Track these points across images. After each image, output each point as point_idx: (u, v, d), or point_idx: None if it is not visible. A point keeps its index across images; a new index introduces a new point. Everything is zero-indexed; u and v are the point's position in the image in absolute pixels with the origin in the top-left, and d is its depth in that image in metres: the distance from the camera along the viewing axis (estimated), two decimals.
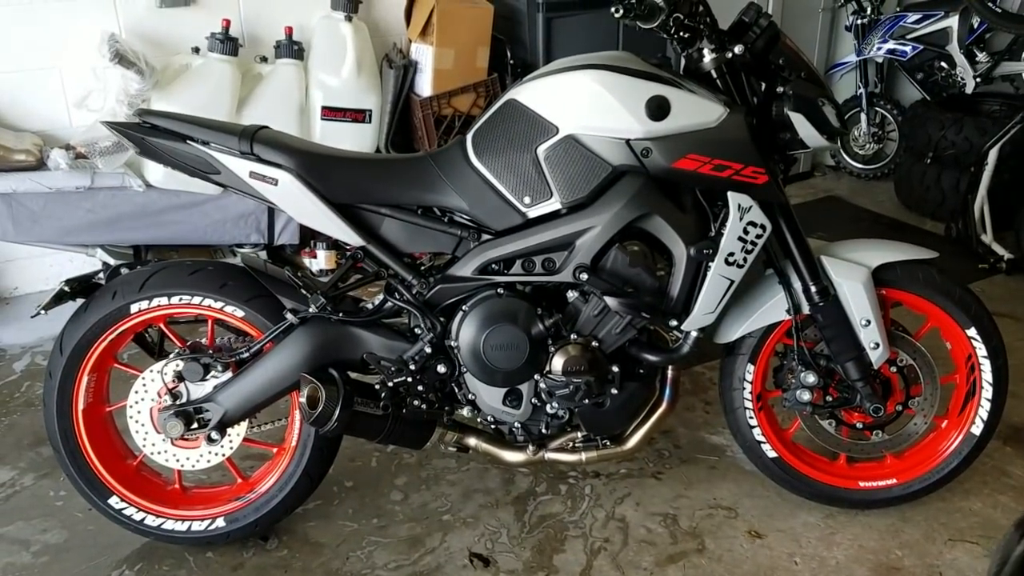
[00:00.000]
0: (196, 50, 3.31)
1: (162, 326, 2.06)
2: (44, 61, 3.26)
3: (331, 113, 3.46)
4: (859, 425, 2.14)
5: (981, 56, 4.23)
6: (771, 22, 1.88)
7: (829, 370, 2.08)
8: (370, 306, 2.02)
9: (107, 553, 2.14)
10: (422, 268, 1.99)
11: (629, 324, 1.92)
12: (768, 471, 2.22)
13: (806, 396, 2.07)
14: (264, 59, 3.47)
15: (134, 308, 1.96)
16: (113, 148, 2.99)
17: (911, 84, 4.67)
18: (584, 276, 1.86)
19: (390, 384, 1.94)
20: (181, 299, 1.96)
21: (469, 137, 1.91)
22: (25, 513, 2.29)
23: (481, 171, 1.87)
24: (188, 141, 1.88)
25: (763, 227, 1.86)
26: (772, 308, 2.03)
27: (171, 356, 1.99)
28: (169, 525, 2.09)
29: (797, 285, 1.99)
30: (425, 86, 3.65)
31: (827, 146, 1.88)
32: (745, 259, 1.87)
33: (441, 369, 1.94)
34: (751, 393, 2.13)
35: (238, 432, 2.04)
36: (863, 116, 4.70)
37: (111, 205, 3.07)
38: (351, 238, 1.91)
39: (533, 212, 1.87)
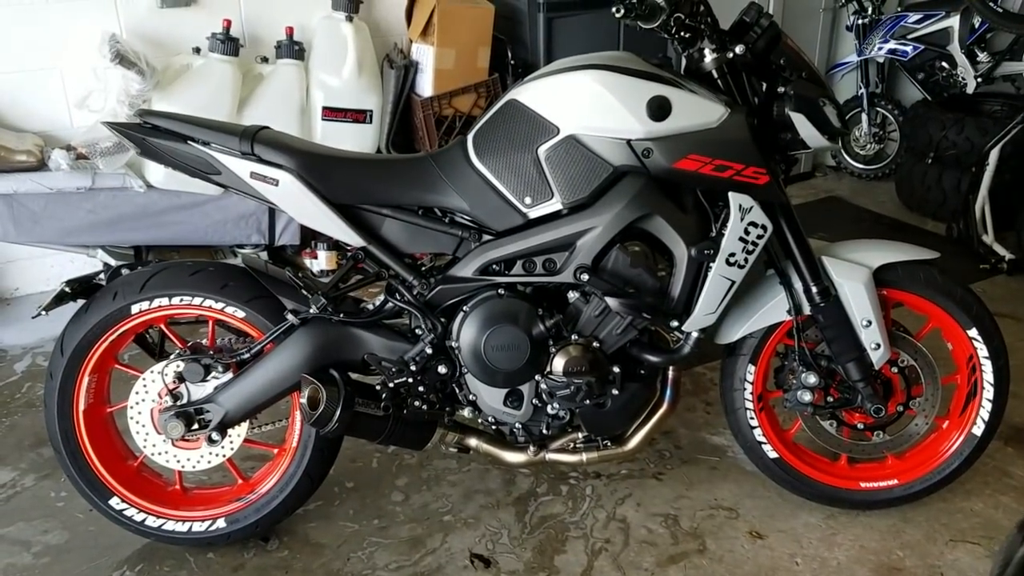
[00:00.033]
0: (197, 50, 3.32)
1: (163, 327, 2.06)
2: (45, 61, 3.26)
3: (332, 113, 3.46)
4: (860, 426, 2.14)
5: (982, 56, 4.23)
6: (772, 22, 1.88)
7: (830, 371, 2.08)
8: (371, 307, 2.02)
9: (108, 554, 2.14)
10: (423, 269, 1.99)
11: (630, 325, 1.92)
12: (769, 472, 2.21)
13: (807, 397, 2.07)
14: (265, 59, 3.47)
15: (135, 309, 1.96)
16: (114, 149, 3.00)
17: (912, 84, 4.67)
18: (585, 277, 1.86)
19: (391, 385, 1.94)
20: (182, 300, 1.96)
21: (470, 137, 1.91)
22: (26, 514, 2.29)
23: (482, 171, 1.87)
24: (189, 142, 1.88)
25: (764, 227, 1.86)
26: (773, 309, 2.02)
27: (172, 357, 1.99)
28: (170, 526, 2.09)
29: (798, 285, 1.99)
30: (426, 86, 3.65)
31: (828, 146, 1.87)
32: (746, 259, 1.87)
33: (442, 370, 1.94)
34: (752, 394, 2.13)
35: (239, 433, 2.04)
36: (864, 116, 4.70)
37: (112, 206, 3.07)
38: (352, 239, 1.91)
39: (534, 213, 1.87)
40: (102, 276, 2.03)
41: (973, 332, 2.08)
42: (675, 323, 1.93)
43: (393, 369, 1.93)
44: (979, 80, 4.24)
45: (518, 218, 1.88)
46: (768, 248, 1.96)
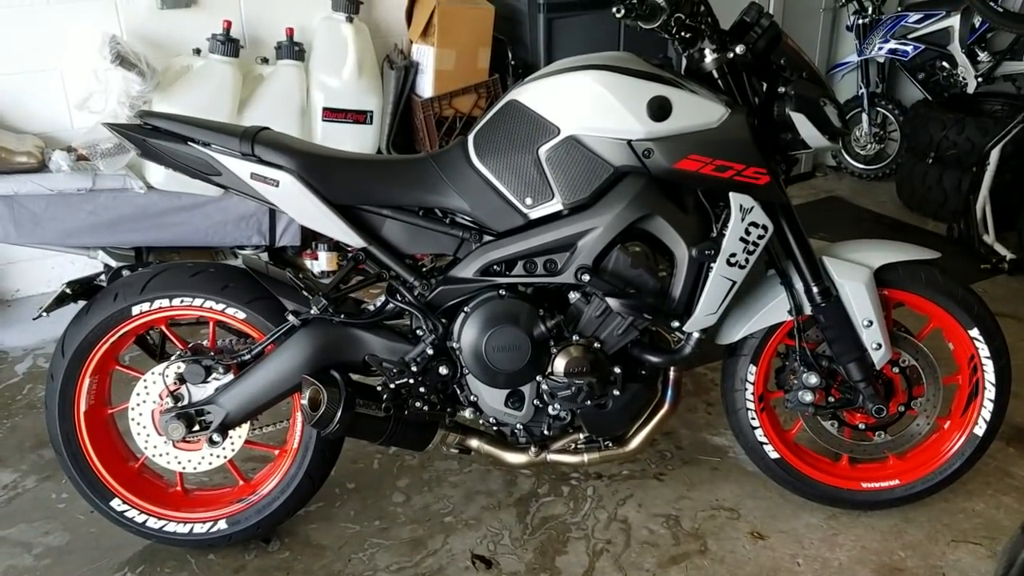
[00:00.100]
0: (197, 51, 3.32)
1: (163, 328, 2.06)
2: (45, 63, 3.27)
3: (332, 114, 3.46)
4: (861, 426, 2.14)
5: (983, 56, 4.23)
6: (772, 22, 1.88)
7: (831, 371, 2.08)
8: (372, 308, 2.02)
9: (109, 555, 2.14)
10: (424, 270, 1.99)
11: (631, 325, 1.92)
12: (770, 472, 2.21)
13: (808, 397, 2.07)
14: (265, 60, 3.47)
15: (135, 310, 1.96)
16: (114, 150, 3.00)
17: (912, 84, 4.67)
18: (586, 277, 1.86)
19: (392, 386, 1.94)
20: (182, 301, 1.96)
21: (470, 138, 1.91)
22: (27, 515, 2.29)
23: (482, 172, 1.87)
24: (189, 143, 1.88)
25: (765, 228, 1.86)
26: (774, 309, 2.02)
27: (173, 358, 1.99)
28: (171, 527, 2.09)
29: (799, 286, 1.99)
30: (426, 87, 3.65)
31: (829, 146, 1.87)
32: (747, 260, 1.87)
33: (443, 371, 1.94)
34: (753, 394, 2.13)
35: (240, 434, 2.04)
36: (864, 116, 4.70)
37: (112, 207, 3.07)
38: (352, 239, 1.91)
39: (535, 213, 1.86)
40: (103, 277, 2.03)
41: (974, 332, 2.08)
42: (676, 324, 1.93)
43: (394, 370, 1.93)
44: (980, 80, 4.24)
45: (519, 219, 1.88)
46: (769, 248, 1.96)
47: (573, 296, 1.94)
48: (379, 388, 1.95)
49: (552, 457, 2.08)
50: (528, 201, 1.85)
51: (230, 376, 1.98)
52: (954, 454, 2.17)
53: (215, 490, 2.23)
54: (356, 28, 3.51)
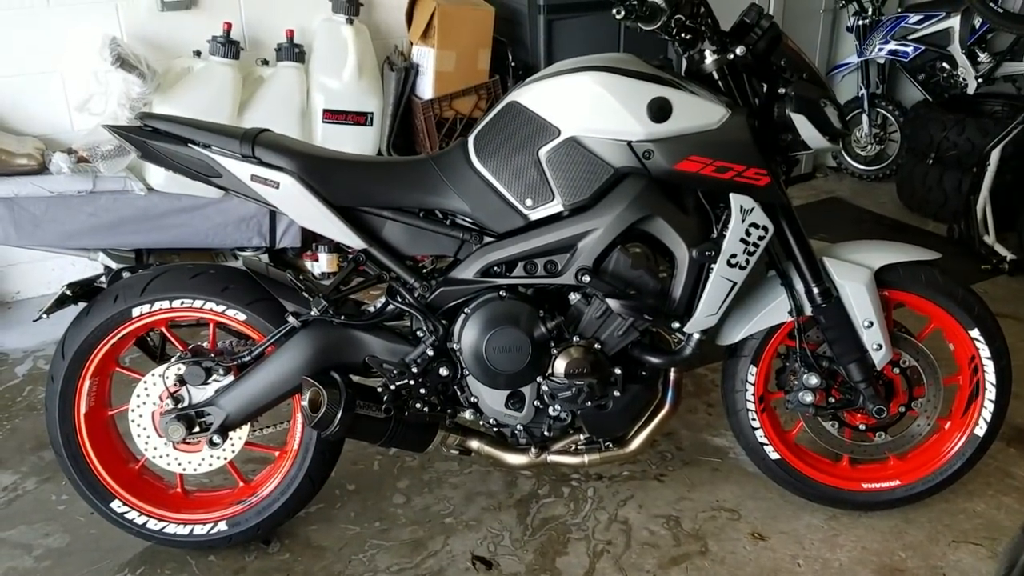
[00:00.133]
0: (197, 53, 3.32)
1: (164, 330, 2.06)
2: (46, 65, 3.27)
3: (332, 116, 3.46)
4: (862, 427, 2.14)
5: (983, 56, 4.23)
6: (772, 23, 1.88)
7: (832, 372, 2.08)
8: (372, 309, 2.02)
9: (109, 557, 2.14)
10: (424, 271, 1.99)
11: (631, 326, 1.92)
12: (771, 473, 2.21)
13: (809, 398, 2.07)
14: (265, 62, 3.47)
15: (136, 312, 1.96)
16: (115, 152, 3.00)
17: (913, 85, 4.67)
18: (586, 278, 1.86)
19: (392, 387, 1.94)
20: (183, 303, 1.96)
21: (471, 139, 1.91)
22: (27, 517, 2.29)
23: (483, 173, 1.87)
24: (189, 144, 1.88)
25: (765, 229, 1.86)
26: (774, 310, 2.02)
27: (173, 360, 1.99)
28: (171, 529, 2.09)
29: (799, 287, 1.99)
30: (426, 88, 3.66)
31: (829, 147, 1.87)
32: (747, 261, 1.87)
33: (443, 372, 1.94)
34: (753, 395, 2.13)
35: (240, 436, 2.04)
36: (865, 117, 4.70)
37: (113, 209, 3.07)
38: (353, 241, 1.91)
39: (535, 214, 1.86)
40: (103, 279, 2.03)
41: (975, 333, 2.08)
42: (676, 324, 1.93)
43: (394, 371, 1.93)
44: (980, 81, 4.23)
45: (519, 220, 1.88)
46: (769, 249, 1.96)
47: (573, 297, 1.94)
48: (379, 389, 1.95)
49: (552, 458, 2.08)
50: (528, 202, 1.85)
51: (230, 378, 1.98)
52: (955, 455, 2.17)
53: (215, 492, 2.23)
54: (356, 30, 3.52)
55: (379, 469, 2.45)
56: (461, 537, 2.19)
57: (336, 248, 3.33)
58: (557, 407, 1.98)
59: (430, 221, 1.92)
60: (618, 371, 1.96)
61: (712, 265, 1.86)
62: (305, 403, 1.88)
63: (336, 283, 1.99)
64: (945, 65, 4.42)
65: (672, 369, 2.04)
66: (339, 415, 1.84)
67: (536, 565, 2.09)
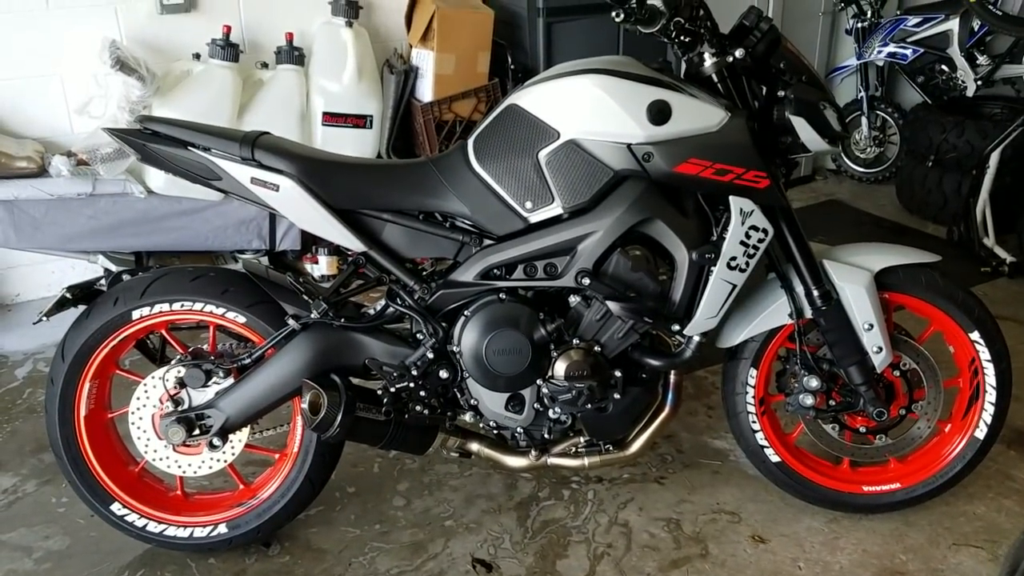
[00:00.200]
0: (197, 56, 3.32)
1: (164, 332, 2.06)
2: (45, 68, 3.27)
3: (332, 119, 3.46)
4: (862, 429, 2.14)
5: (982, 59, 4.23)
6: (772, 26, 1.88)
7: (832, 374, 2.08)
8: (372, 312, 2.02)
9: (109, 560, 2.14)
10: (424, 273, 1.99)
11: (631, 329, 1.92)
12: (771, 476, 2.21)
13: (809, 400, 2.07)
14: (265, 65, 3.47)
15: (136, 314, 1.96)
16: (114, 155, 3.00)
17: (912, 87, 4.67)
18: (586, 281, 1.86)
19: (392, 390, 1.94)
20: (183, 305, 1.96)
21: (470, 142, 1.91)
22: (27, 520, 2.29)
23: (482, 176, 1.87)
24: (189, 147, 1.88)
25: (765, 231, 1.86)
26: (774, 312, 2.02)
27: (173, 362, 2.00)
28: (171, 531, 2.09)
29: (799, 289, 1.99)
30: (426, 91, 3.66)
31: (828, 150, 1.87)
32: (747, 263, 1.87)
33: (443, 374, 1.94)
34: (754, 397, 2.13)
35: (240, 438, 2.04)
36: (864, 120, 4.70)
37: (112, 212, 3.07)
38: (353, 244, 1.91)
39: (535, 217, 1.87)
40: (103, 282, 2.03)
41: (975, 335, 2.08)
42: (676, 327, 1.93)
43: (394, 374, 1.93)
44: (979, 83, 4.24)
45: (519, 222, 1.88)
46: (769, 252, 1.96)
47: (573, 300, 1.94)
48: (379, 392, 1.95)
49: (552, 461, 2.08)
50: (528, 205, 1.86)
51: (230, 380, 1.98)
52: (955, 457, 2.17)
53: (215, 494, 2.23)
54: (356, 33, 3.52)
55: (379, 472, 2.45)
56: (461, 540, 2.18)
57: (336, 251, 3.30)
58: (557, 409, 1.98)
59: (430, 224, 1.92)
60: (618, 374, 1.96)
61: (712, 268, 1.86)
62: (305, 405, 1.88)
63: (336, 286, 1.99)
64: (944, 67, 4.42)
65: (672, 372, 2.04)
66: (339, 417, 1.84)
67: (536, 568, 2.09)
